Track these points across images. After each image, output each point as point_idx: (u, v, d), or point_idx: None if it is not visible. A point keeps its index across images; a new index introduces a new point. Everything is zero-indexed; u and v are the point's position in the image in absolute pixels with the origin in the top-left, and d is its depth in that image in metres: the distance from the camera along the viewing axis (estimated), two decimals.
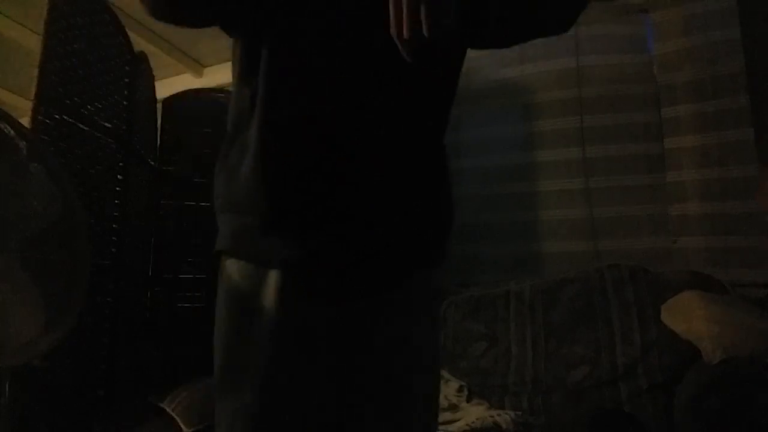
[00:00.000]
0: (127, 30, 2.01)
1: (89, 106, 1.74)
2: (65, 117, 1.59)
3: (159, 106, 2.45)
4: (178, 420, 1.69)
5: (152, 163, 2.29)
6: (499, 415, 1.66)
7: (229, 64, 0.81)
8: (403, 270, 0.76)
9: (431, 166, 0.79)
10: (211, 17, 0.74)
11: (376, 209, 0.72)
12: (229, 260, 0.76)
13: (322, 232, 0.70)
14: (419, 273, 0.78)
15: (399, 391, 0.75)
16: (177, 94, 2.49)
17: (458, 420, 1.67)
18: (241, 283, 0.74)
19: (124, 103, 1.99)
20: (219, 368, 0.76)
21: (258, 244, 0.72)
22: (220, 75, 3.04)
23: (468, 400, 1.87)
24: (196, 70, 3.16)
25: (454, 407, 1.81)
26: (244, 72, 0.74)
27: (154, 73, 2.35)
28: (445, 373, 2.00)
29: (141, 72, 2.15)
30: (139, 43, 2.39)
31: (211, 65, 3.17)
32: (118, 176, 1.93)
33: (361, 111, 0.71)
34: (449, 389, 1.91)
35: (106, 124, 1.84)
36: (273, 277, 0.70)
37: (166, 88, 2.52)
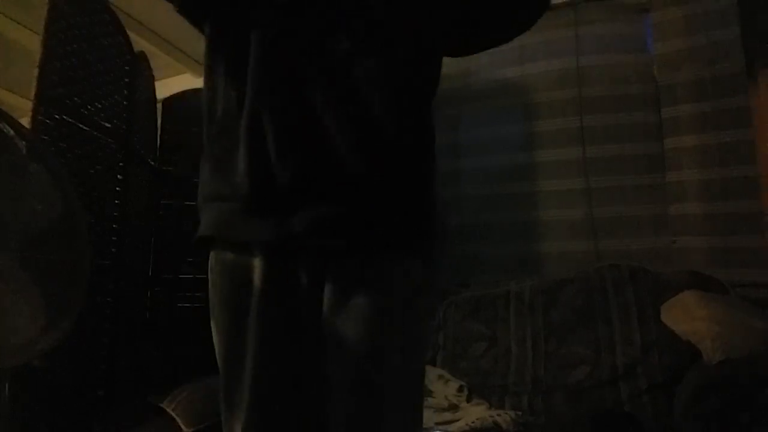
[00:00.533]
0: (127, 30, 2.01)
1: (89, 106, 1.74)
2: (65, 117, 1.59)
3: (159, 106, 2.45)
4: (178, 420, 1.69)
5: (152, 163, 2.29)
6: (499, 415, 1.66)
7: None
8: (376, 250, 0.78)
9: (412, 164, 0.81)
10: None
11: (355, 196, 0.76)
12: (216, 256, 0.82)
13: (303, 215, 0.74)
14: (395, 260, 0.80)
15: (373, 382, 0.77)
16: (177, 94, 2.48)
17: (458, 420, 1.67)
18: (229, 276, 0.79)
19: (124, 103, 1.99)
20: (221, 359, 0.81)
21: (241, 228, 0.77)
22: None
23: (468, 400, 1.87)
24: (196, 70, 3.16)
25: (454, 407, 1.80)
26: (230, 75, 0.80)
27: (154, 73, 2.35)
28: (445, 373, 2.00)
29: (141, 72, 2.15)
30: (139, 43, 2.39)
31: None
32: (118, 176, 1.93)
33: (340, 109, 0.75)
34: (449, 389, 1.91)
35: (106, 124, 1.84)
36: (258, 265, 0.77)
37: (166, 88, 2.52)
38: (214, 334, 0.82)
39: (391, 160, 0.78)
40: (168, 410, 1.72)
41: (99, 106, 1.80)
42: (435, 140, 0.85)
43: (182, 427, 1.68)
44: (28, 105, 1.45)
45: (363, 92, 0.76)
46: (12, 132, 1.09)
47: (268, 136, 0.74)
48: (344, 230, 0.76)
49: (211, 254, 0.83)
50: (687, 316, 1.74)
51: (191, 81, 3.11)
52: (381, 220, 0.78)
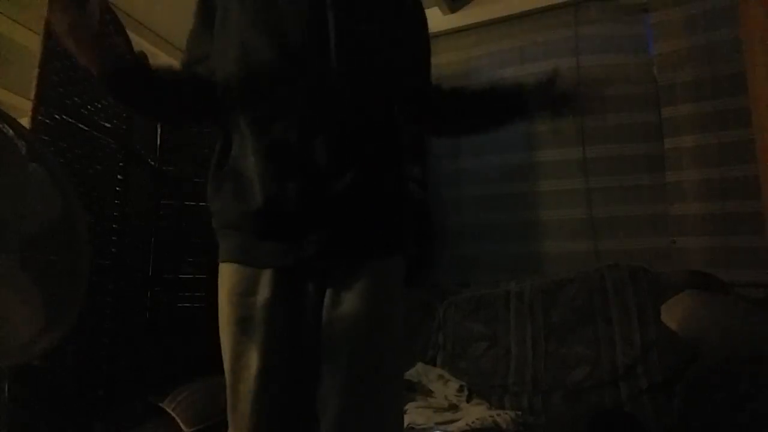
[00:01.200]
0: (127, 30, 2.01)
1: (89, 106, 1.74)
2: (65, 117, 1.59)
3: None
4: (178, 420, 1.69)
5: (152, 163, 2.29)
6: (499, 415, 1.66)
7: None
8: (367, 256, 0.93)
9: (387, 190, 0.97)
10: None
11: (349, 217, 0.90)
12: (227, 264, 0.93)
13: (310, 240, 0.88)
14: (381, 260, 0.94)
15: (370, 377, 0.89)
16: None
17: (458, 420, 1.67)
18: (240, 279, 0.91)
19: None
20: (228, 351, 0.90)
21: (257, 254, 0.90)
22: None
23: (468, 400, 1.86)
24: None
25: (454, 407, 1.80)
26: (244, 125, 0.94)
27: None
28: (445, 373, 2.00)
29: None
30: (139, 43, 2.38)
31: None
32: (118, 176, 1.93)
33: (329, 148, 0.89)
34: (449, 389, 1.91)
35: (106, 124, 1.84)
36: (267, 275, 0.89)
37: None
38: (222, 329, 0.91)
39: (375, 184, 0.93)
40: (168, 410, 1.73)
41: (99, 106, 1.80)
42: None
43: (182, 427, 1.68)
44: (28, 105, 1.45)
45: (346, 133, 0.91)
46: (12, 132, 1.09)
47: (273, 172, 0.88)
48: (345, 248, 0.91)
49: (222, 268, 0.94)
50: (687, 316, 1.74)
51: None
52: (371, 232, 0.93)
